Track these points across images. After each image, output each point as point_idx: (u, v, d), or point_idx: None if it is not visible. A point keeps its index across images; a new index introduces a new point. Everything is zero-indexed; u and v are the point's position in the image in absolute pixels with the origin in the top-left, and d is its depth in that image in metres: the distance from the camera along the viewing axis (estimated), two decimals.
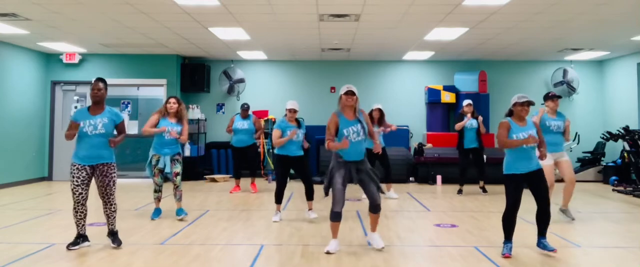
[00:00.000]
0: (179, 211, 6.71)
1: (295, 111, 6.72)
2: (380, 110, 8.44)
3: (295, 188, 9.14)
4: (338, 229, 5.09)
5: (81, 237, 5.17)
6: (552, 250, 4.88)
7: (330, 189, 5.02)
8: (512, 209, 4.84)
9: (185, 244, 5.36)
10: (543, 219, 4.92)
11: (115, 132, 5.25)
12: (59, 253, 4.98)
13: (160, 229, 6.13)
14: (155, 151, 6.57)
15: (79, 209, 5.07)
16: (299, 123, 6.75)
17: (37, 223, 6.57)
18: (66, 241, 5.38)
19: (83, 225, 5.15)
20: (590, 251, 5.20)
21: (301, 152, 6.78)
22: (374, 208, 5.05)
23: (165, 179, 6.75)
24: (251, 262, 4.71)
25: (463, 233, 5.96)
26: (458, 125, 8.95)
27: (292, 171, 6.84)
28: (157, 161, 6.54)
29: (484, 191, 9.15)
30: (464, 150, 9.03)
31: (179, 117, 6.60)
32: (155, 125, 6.53)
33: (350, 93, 4.99)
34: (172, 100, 6.66)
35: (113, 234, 5.22)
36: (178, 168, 6.58)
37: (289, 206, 7.93)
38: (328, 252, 4.91)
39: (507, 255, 4.84)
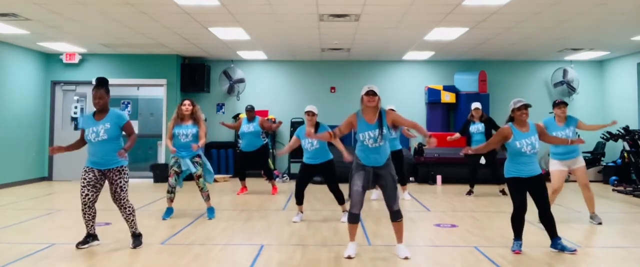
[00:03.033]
0: (209, 212, 6.82)
1: (313, 114, 6.54)
2: (392, 111, 8.24)
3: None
4: (356, 232, 4.88)
5: (90, 236, 5.19)
6: (573, 251, 4.92)
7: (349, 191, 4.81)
8: (519, 210, 4.95)
9: (185, 244, 5.36)
10: (547, 222, 5.00)
11: (121, 134, 5.22)
12: (59, 253, 4.98)
13: (160, 229, 6.13)
14: (175, 153, 6.65)
15: (85, 210, 5.04)
16: (317, 127, 6.55)
17: (37, 223, 6.57)
18: (66, 241, 5.40)
19: (92, 225, 5.16)
20: (590, 251, 5.20)
21: (324, 159, 6.54)
22: (393, 215, 4.77)
23: (196, 176, 6.66)
24: (251, 262, 4.71)
25: (463, 233, 5.96)
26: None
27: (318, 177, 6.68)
28: (175, 162, 6.63)
29: (504, 193, 8.82)
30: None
31: (194, 118, 6.64)
32: (172, 135, 6.62)
33: (371, 93, 4.65)
34: (187, 102, 6.70)
35: (134, 236, 5.21)
36: (199, 170, 6.61)
37: (289, 205, 7.94)
38: (349, 257, 4.73)
39: (517, 251, 4.97)
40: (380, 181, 4.77)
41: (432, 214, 7.36)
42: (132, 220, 5.18)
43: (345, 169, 5.36)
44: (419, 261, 4.80)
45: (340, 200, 6.61)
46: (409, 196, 8.64)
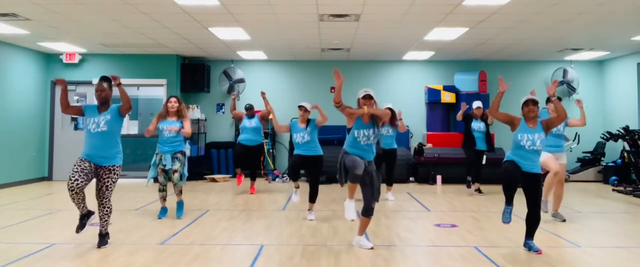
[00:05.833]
0: (179, 207, 6.82)
1: (306, 110, 6.81)
2: (390, 109, 8.34)
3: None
4: (355, 191, 5.11)
5: (85, 217, 5.12)
6: (537, 251, 4.97)
7: (347, 173, 5.01)
8: (508, 180, 5.01)
9: (185, 244, 5.36)
10: (532, 222, 5.05)
11: (121, 127, 5.32)
12: (59, 253, 4.98)
13: (160, 229, 6.13)
14: (158, 149, 6.69)
15: (74, 196, 4.96)
16: (308, 124, 6.79)
17: (37, 223, 6.57)
18: (66, 241, 5.41)
19: (84, 206, 5.07)
20: (590, 251, 5.20)
21: (314, 152, 6.77)
22: (366, 211, 5.08)
23: (173, 171, 6.66)
24: (251, 262, 4.71)
25: (463, 233, 5.96)
26: (459, 115, 9.06)
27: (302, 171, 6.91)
28: (160, 159, 6.65)
29: (479, 192, 9.15)
30: (474, 150, 8.97)
31: (179, 115, 6.67)
32: (155, 128, 6.70)
33: (368, 97, 5.08)
34: (173, 99, 6.81)
35: (101, 235, 5.22)
36: (177, 165, 6.59)
37: (289, 206, 7.94)
38: (353, 220, 5.05)
39: (506, 222, 5.13)
40: (365, 177, 5.00)
41: (432, 214, 7.36)
42: (106, 220, 5.21)
43: (333, 168, 5.51)
44: (419, 261, 4.81)
45: (313, 198, 6.76)
46: (392, 197, 8.57)
